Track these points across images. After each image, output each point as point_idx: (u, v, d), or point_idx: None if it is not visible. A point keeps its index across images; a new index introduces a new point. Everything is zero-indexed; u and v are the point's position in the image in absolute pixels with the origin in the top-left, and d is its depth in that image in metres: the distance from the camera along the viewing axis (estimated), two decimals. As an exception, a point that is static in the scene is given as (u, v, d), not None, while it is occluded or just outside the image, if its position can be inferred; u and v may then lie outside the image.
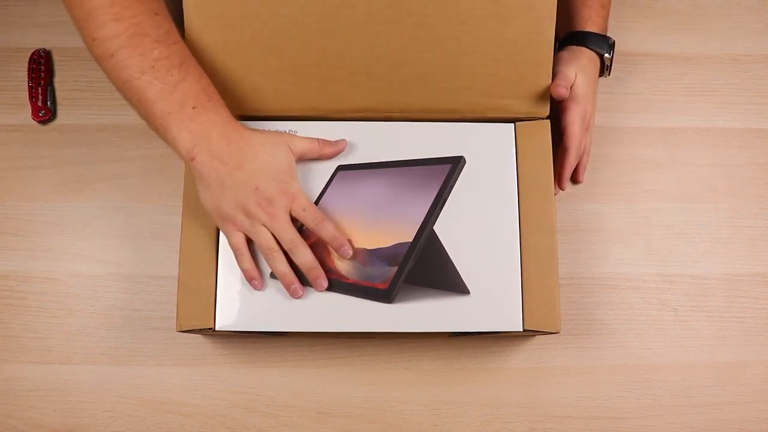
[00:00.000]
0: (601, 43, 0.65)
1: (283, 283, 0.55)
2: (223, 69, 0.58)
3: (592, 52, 0.65)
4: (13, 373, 0.65)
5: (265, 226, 0.54)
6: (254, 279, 0.55)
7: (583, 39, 0.65)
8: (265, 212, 0.53)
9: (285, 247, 0.54)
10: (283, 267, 0.54)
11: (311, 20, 0.57)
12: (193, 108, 0.52)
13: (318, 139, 0.58)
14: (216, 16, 0.57)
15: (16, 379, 0.65)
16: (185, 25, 0.57)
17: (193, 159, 0.52)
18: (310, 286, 0.56)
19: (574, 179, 0.69)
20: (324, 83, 0.59)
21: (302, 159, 0.57)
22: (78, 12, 0.51)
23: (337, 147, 0.58)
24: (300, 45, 0.58)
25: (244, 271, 0.55)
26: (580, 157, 0.67)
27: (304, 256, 0.54)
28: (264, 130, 0.57)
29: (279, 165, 0.54)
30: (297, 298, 0.55)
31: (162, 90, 0.51)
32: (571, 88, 0.62)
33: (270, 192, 0.53)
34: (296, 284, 0.55)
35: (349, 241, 0.57)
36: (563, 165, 0.65)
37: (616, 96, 0.73)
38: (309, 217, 0.55)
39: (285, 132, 0.58)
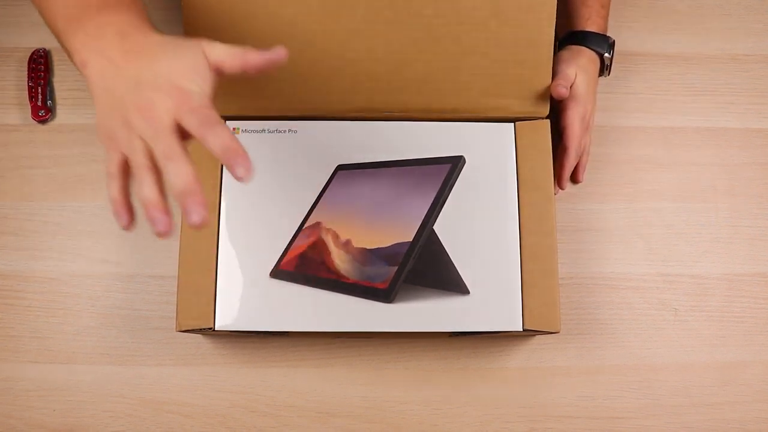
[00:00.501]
0: (601, 43, 0.65)
1: (145, 213, 0.39)
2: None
3: (592, 52, 0.65)
4: (13, 373, 0.65)
5: (142, 139, 0.39)
6: (119, 214, 0.41)
7: (583, 38, 0.66)
8: (143, 117, 0.39)
9: (158, 160, 0.39)
10: (149, 191, 0.39)
11: (312, 20, 0.57)
12: (97, 9, 0.44)
13: (243, 48, 0.43)
14: (216, 15, 0.57)
15: (16, 379, 0.65)
16: (184, 24, 0.57)
17: (84, 66, 0.43)
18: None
19: (574, 179, 0.69)
20: (324, 83, 0.59)
21: (221, 70, 0.42)
22: None
23: (269, 55, 0.42)
24: (300, 45, 0.58)
25: (110, 201, 0.41)
26: (580, 157, 0.67)
27: (180, 172, 0.38)
28: (178, 36, 0.45)
29: (178, 63, 0.41)
30: (162, 233, 0.39)
31: None
32: (570, 87, 0.62)
33: (153, 90, 0.40)
34: (159, 214, 0.39)
35: (349, 241, 0.57)
36: (563, 164, 0.65)
37: (616, 96, 0.73)
38: (194, 120, 0.39)
39: (205, 39, 0.44)
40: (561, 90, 0.59)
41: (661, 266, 0.69)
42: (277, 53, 0.42)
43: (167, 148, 0.38)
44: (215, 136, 0.38)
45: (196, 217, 0.38)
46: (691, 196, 0.71)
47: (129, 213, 0.41)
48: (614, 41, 0.67)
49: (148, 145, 0.39)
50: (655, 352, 0.67)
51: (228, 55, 0.42)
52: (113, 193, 0.41)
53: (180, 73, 0.41)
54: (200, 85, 0.41)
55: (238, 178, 0.38)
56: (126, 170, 0.41)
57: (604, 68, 0.67)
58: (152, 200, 0.39)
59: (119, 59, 0.42)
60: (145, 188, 0.39)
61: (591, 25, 0.66)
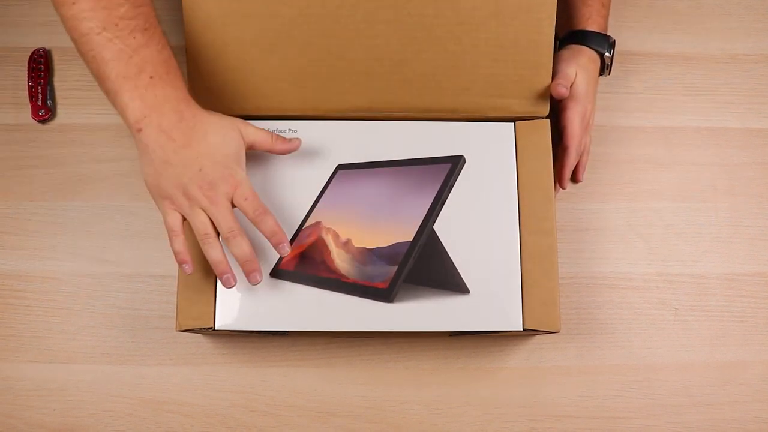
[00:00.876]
0: (602, 42, 0.65)
1: (216, 272, 0.53)
2: (223, 69, 0.58)
3: (592, 51, 0.65)
4: (13, 372, 0.65)
5: (203, 210, 0.52)
6: (185, 263, 0.53)
7: (583, 38, 0.65)
8: (205, 196, 0.51)
9: (222, 236, 0.52)
10: (217, 254, 0.52)
11: (312, 20, 0.57)
12: (150, 77, 0.50)
13: (272, 133, 0.56)
14: (216, 15, 0.57)
15: (16, 378, 0.65)
16: (185, 24, 0.57)
17: (140, 130, 0.50)
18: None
19: (574, 178, 0.69)
20: (324, 83, 0.59)
21: (252, 149, 0.55)
22: None
23: (290, 145, 0.56)
24: (300, 45, 0.58)
25: (175, 253, 0.53)
26: (580, 156, 0.67)
27: (240, 247, 0.52)
28: (218, 114, 0.54)
29: (227, 149, 0.52)
30: (229, 287, 0.54)
31: (121, 51, 0.49)
32: (570, 86, 0.62)
33: (213, 176, 0.51)
34: (228, 274, 0.53)
35: (349, 240, 0.57)
36: (563, 164, 0.65)
37: (617, 96, 0.73)
38: (250, 208, 0.52)
39: (239, 119, 0.55)
40: (561, 89, 0.59)
41: (661, 266, 0.69)
42: (297, 143, 0.57)
43: (229, 229, 0.52)
44: (265, 223, 0.53)
45: (253, 279, 0.53)
46: (691, 196, 0.71)
47: (192, 261, 0.53)
48: (615, 41, 0.67)
49: (209, 217, 0.52)
50: (655, 352, 0.67)
51: (260, 141, 0.55)
52: (178, 247, 0.52)
53: (230, 158, 0.52)
54: (243, 168, 0.53)
55: (280, 252, 0.54)
56: (184, 228, 0.53)
57: (605, 68, 0.67)
58: (221, 262, 0.52)
59: (179, 138, 0.50)
60: (213, 252, 0.52)
61: (592, 25, 0.66)
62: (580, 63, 0.64)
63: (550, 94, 0.60)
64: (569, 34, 0.67)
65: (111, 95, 0.50)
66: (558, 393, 0.66)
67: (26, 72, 0.71)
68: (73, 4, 0.48)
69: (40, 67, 0.71)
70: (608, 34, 0.67)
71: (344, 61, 0.59)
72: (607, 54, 0.66)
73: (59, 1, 0.49)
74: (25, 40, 0.73)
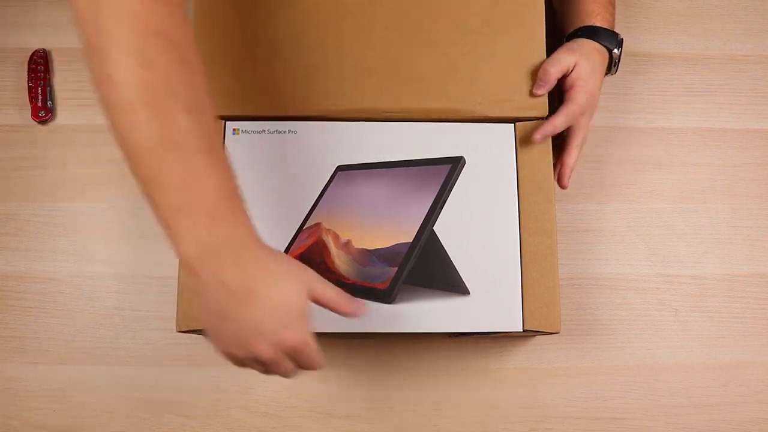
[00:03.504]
0: (611, 38, 0.64)
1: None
2: (224, 68, 0.59)
3: (600, 46, 0.64)
4: (14, 373, 0.65)
5: (262, 363, 0.46)
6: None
7: (592, 33, 0.64)
8: (266, 355, 0.45)
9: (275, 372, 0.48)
10: (289, 375, 0.49)
11: (314, 23, 0.58)
12: (211, 215, 0.42)
13: (340, 291, 0.47)
14: (221, 16, 0.57)
15: (16, 379, 0.65)
16: (194, 26, 0.57)
17: (195, 273, 0.42)
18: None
19: (560, 183, 0.65)
20: (325, 83, 0.60)
21: (316, 303, 0.47)
22: (92, 36, 0.39)
23: (356, 308, 0.48)
24: (302, 46, 0.59)
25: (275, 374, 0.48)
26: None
27: (288, 375, 0.48)
28: (283, 256, 0.47)
29: (291, 306, 0.45)
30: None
31: (179, 178, 0.41)
32: (570, 74, 0.61)
33: (272, 338, 0.44)
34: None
35: (349, 241, 0.57)
36: (563, 162, 0.63)
37: (616, 96, 0.73)
38: (305, 364, 0.47)
39: (308, 269, 0.47)
40: (539, 90, 0.60)
41: (661, 267, 0.69)
42: (362, 309, 0.48)
43: (284, 375, 0.47)
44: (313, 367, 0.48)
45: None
46: (691, 197, 0.71)
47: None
48: (623, 39, 0.65)
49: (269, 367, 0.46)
50: (655, 352, 0.67)
51: (325, 299, 0.46)
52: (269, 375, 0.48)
53: (294, 316, 0.45)
54: (306, 322, 0.45)
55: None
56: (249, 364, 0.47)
57: (612, 65, 0.66)
58: (293, 372, 0.48)
59: (239, 293, 0.43)
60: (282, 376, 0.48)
61: (600, 21, 0.64)
62: (584, 52, 0.62)
63: (549, 95, 0.60)
64: (577, 30, 0.65)
65: (164, 224, 0.42)
66: (558, 394, 0.66)
67: (26, 73, 0.71)
68: (128, 111, 0.40)
69: (40, 68, 0.71)
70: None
71: (345, 63, 0.59)
72: (615, 50, 0.64)
73: (110, 101, 0.40)
74: (25, 41, 0.73)
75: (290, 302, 0.45)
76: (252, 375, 0.65)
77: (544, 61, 0.60)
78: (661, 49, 0.75)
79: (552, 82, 0.60)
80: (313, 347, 0.46)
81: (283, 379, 0.65)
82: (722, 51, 0.76)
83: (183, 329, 0.56)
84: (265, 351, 0.44)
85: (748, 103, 0.74)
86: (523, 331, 0.56)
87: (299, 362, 0.47)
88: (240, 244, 0.43)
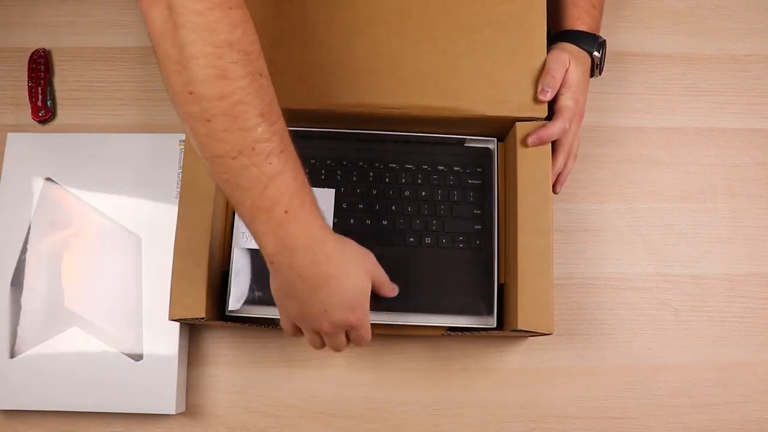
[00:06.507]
0: (591, 42, 0.64)
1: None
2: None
3: (580, 50, 0.64)
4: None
5: (318, 333, 0.53)
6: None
7: (571, 37, 0.64)
8: (324, 330, 0.51)
9: (328, 346, 0.54)
10: (340, 349, 0.55)
11: (314, 21, 0.58)
12: (285, 212, 0.46)
13: (387, 277, 0.55)
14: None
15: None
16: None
17: (272, 262, 0.48)
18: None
19: (552, 189, 0.64)
20: (326, 79, 0.60)
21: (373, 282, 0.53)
22: (171, 51, 0.42)
23: (393, 291, 0.56)
24: (303, 44, 0.59)
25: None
26: (566, 160, 0.64)
27: (339, 349, 0.54)
28: (350, 244, 0.51)
29: (356, 293, 0.51)
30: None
31: (256, 180, 0.45)
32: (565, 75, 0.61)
33: (337, 317, 0.50)
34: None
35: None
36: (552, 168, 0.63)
37: (617, 96, 0.73)
38: (360, 343, 0.54)
39: (371, 255, 0.53)
40: (545, 94, 0.60)
41: (661, 266, 0.69)
42: (396, 291, 0.56)
43: (336, 348, 0.54)
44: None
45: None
46: (691, 196, 0.71)
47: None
48: (605, 41, 0.65)
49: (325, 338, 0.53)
50: (655, 352, 0.67)
51: (378, 283, 0.53)
52: (319, 348, 0.54)
53: (357, 301, 0.51)
54: (367, 304, 0.52)
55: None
56: (297, 332, 0.54)
57: (594, 67, 0.66)
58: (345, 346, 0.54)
59: (309, 281, 0.48)
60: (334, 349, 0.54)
61: (581, 24, 0.65)
62: (573, 55, 0.62)
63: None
64: (558, 34, 0.66)
65: (246, 220, 0.47)
66: (558, 393, 0.66)
67: (26, 72, 0.71)
68: (208, 121, 0.43)
69: (40, 67, 0.71)
70: (603, 35, 0.66)
71: (346, 59, 0.60)
72: (596, 53, 0.64)
73: (193, 114, 0.43)
74: (25, 40, 0.73)
75: (356, 289, 0.51)
76: (251, 375, 0.65)
77: (545, 66, 0.60)
78: (661, 48, 0.75)
79: (557, 87, 0.61)
80: (368, 326, 0.52)
81: (283, 379, 0.65)
82: (722, 51, 0.75)
83: (175, 318, 0.56)
84: (326, 327, 0.51)
85: (748, 102, 0.74)
86: (517, 330, 0.56)
87: (353, 337, 0.53)
88: (312, 239, 0.47)
